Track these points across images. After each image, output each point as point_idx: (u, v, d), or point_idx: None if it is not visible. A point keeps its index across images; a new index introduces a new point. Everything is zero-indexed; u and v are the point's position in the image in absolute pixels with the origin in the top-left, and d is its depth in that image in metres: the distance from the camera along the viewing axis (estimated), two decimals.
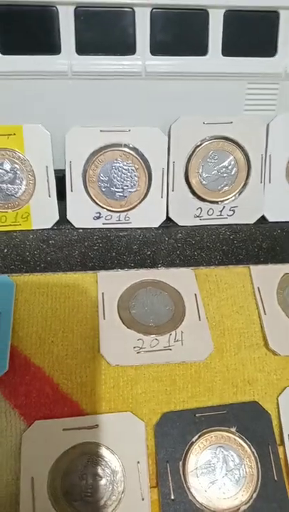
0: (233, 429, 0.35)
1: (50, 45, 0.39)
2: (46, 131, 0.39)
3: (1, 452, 0.33)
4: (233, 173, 0.42)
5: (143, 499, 0.33)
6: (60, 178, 0.40)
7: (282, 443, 0.36)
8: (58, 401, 0.35)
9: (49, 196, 0.40)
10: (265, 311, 0.41)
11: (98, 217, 0.41)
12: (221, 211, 0.42)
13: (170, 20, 0.40)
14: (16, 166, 0.39)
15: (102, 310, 0.39)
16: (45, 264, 0.41)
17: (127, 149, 0.40)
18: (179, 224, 0.42)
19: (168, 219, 0.42)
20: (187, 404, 0.36)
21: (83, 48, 0.40)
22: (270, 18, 0.41)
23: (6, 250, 0.41)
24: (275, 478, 0.34)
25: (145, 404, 0.36)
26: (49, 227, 0.41)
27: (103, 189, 0.40)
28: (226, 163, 0.41)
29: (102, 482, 0.33)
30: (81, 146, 0.40)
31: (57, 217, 0.41)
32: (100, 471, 0.33)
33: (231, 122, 0.41)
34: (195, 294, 0.41)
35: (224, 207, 0.42)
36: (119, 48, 0.40)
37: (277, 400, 0.37)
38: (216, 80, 0.42)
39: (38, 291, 0.40)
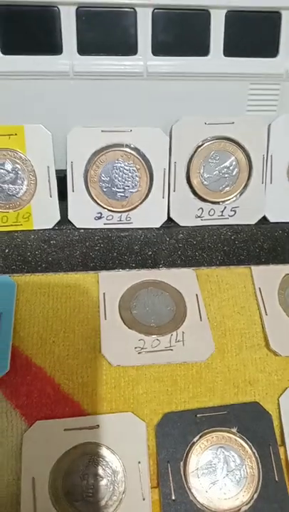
0: (234, 430, 0.35)
1: (51, 46, 0.39)
2: (48, 132, 0.39)
3: (2, 452, 0.33)
4: (234, 173, 0.42)
5: (144, 499, 0.33)
6: (62, 179, 0.40)
7: (283, 443, 0.36)
8: (59, 401, 0.35)
9: (50, 196, 0.40)
10: (266, 312, 0.41)
11: (99, 218, 0.41)
12: (222, 211, 0.42)
13: (172, 21, 0.40)
14: (18, 166, 0.39)
15: (103, 310, 0.39)
16: (46, 264, 0.41)
17: (128, 149, 0.40)
18: (180, 224, 0.42)
19: (169, 219, 0.42)
20: (188, 404, 0.36)
21: (85, 48, 0.40)
22: (272, 18, 0.41)
23: (7, 250, 0.41)
24: (276, 479, 0.34)
25: (146, 405, 0.36)
26: (50, 227, 0.41)
27: (104, 189, 0.40)
28: (227, 164, 0.41)
29: (103, 482, 0.33)
30: (82, 147, 0.40)
31: (58, 218, 0.41)
32: (101, 471, 0.33)
33: (233, 123, 0.41)
34: (196, 295, 0.41)
35: (225, 207, 0.42)
36: (121, 49, 0.40)
37: (278, 400, 0.37)
38: (218, 81, 0.42)
39: (40, 291, 0.40)
